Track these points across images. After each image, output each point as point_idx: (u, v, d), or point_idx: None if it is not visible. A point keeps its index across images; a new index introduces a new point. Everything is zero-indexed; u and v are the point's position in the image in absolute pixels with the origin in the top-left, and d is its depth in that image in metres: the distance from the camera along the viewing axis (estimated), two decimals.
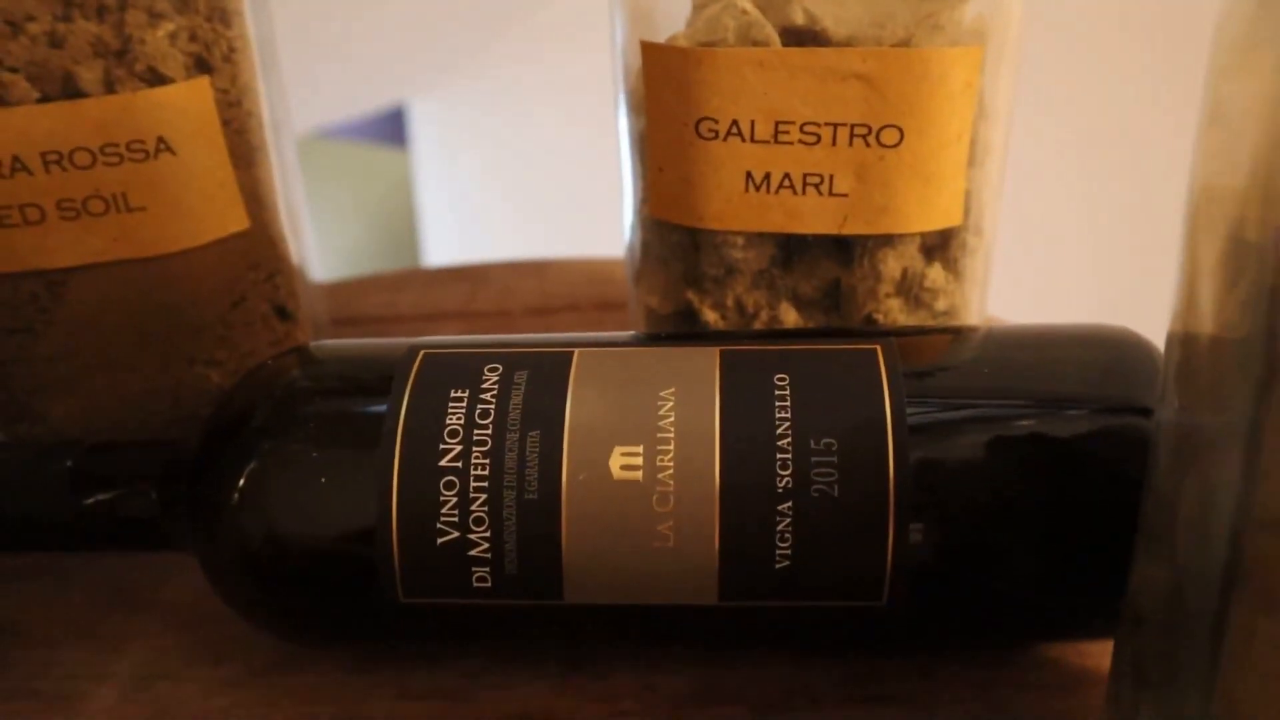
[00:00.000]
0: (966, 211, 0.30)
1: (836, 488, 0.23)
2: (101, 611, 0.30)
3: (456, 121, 1.50)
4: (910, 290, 0.30)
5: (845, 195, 0.28)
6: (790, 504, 0.23)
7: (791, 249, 0.30)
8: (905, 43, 0.27)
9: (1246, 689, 0.15)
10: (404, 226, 1.58)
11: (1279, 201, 0.14)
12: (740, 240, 0.30)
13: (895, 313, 0.30)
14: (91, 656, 0.29)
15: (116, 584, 0.31)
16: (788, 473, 0.23)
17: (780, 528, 0.23)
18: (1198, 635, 0.16)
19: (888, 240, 0.29)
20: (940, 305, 0.31)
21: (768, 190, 0.28)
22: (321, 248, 0.42)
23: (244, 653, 0.28)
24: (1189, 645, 0.17)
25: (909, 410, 0.24)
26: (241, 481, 0.25)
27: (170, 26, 0.30)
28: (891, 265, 0.30)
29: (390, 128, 1.58)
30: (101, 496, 0.27)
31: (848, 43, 0.27)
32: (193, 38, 0.30)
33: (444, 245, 1.49)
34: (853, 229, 0.29)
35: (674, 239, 0.31)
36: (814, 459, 0.23)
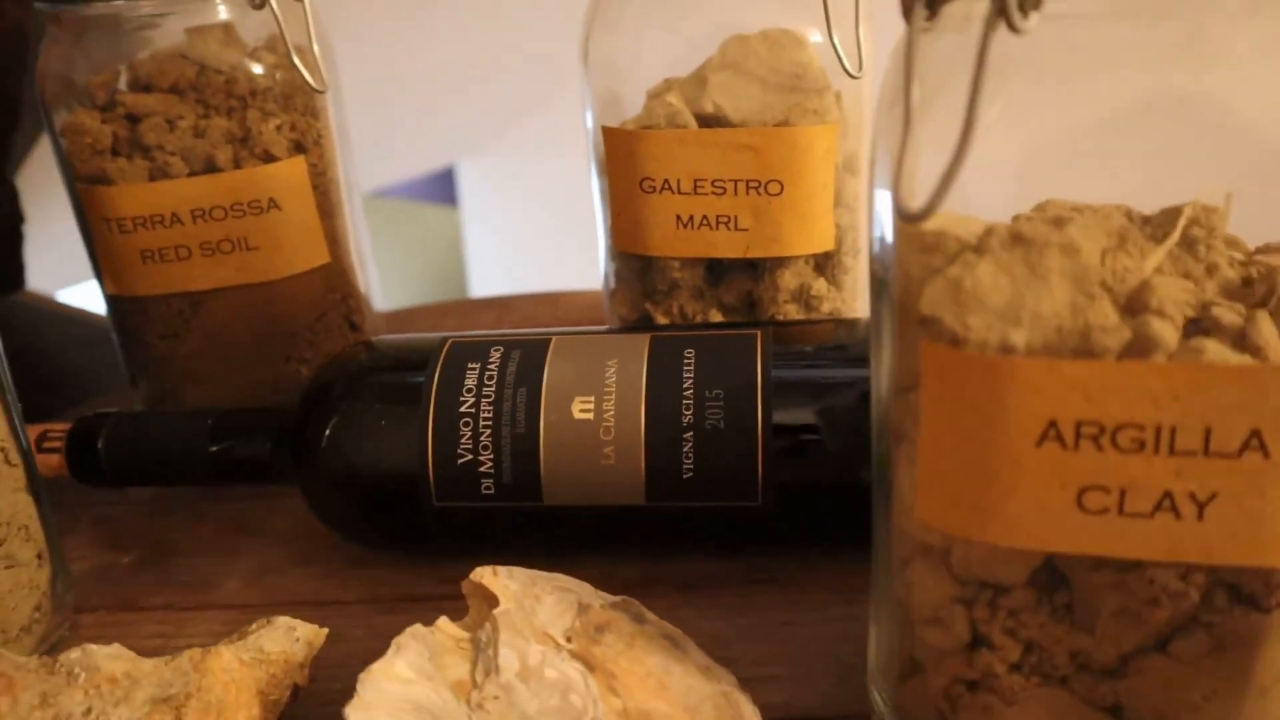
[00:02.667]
0: (840, 240, 0.41)
1: (723, 423, 0.35)
2: (226, 535, 0.42)
3: (499, 181, 1.64)
4: (802, 298, 0.42)
5: (746, 230, 0.40)
6: (691, 434, 0.35)
7: (716, 270, 0.42)
8: (783, 123, 0.39)
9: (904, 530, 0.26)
10: (454, 274, 1.72)
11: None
12: (677, 264, 0.41)
13: (792, 315, 0.42)
14: (220, 562, 0.41)
15: (235, 517, 0.43)
16: (690, 413, 0.35)
17: (685, 450, 0.35)
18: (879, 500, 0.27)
19: (782, 262, 0.41)
20: (825, 309, 0.42)
21: (692, 228, 0.40)
22: (382, 295, 0.54)
23: (325, 557, 0.40)
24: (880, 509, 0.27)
25: (774, 372, 0.35)
26: (329, 430, 0.37)
27: (278, 121, 0.42)
28: (787, 280, 0.41)
29: (440, 187, 1.73)
30: (231, 445, 0.39)
31: (742, 124, 0.39)
32: (293, 128, 0.43)
33: (487, 288, 1.62)
34: (753, 254, 0.40)
35: (633, 265, 0.43)
36: (707, 404, 0.35)
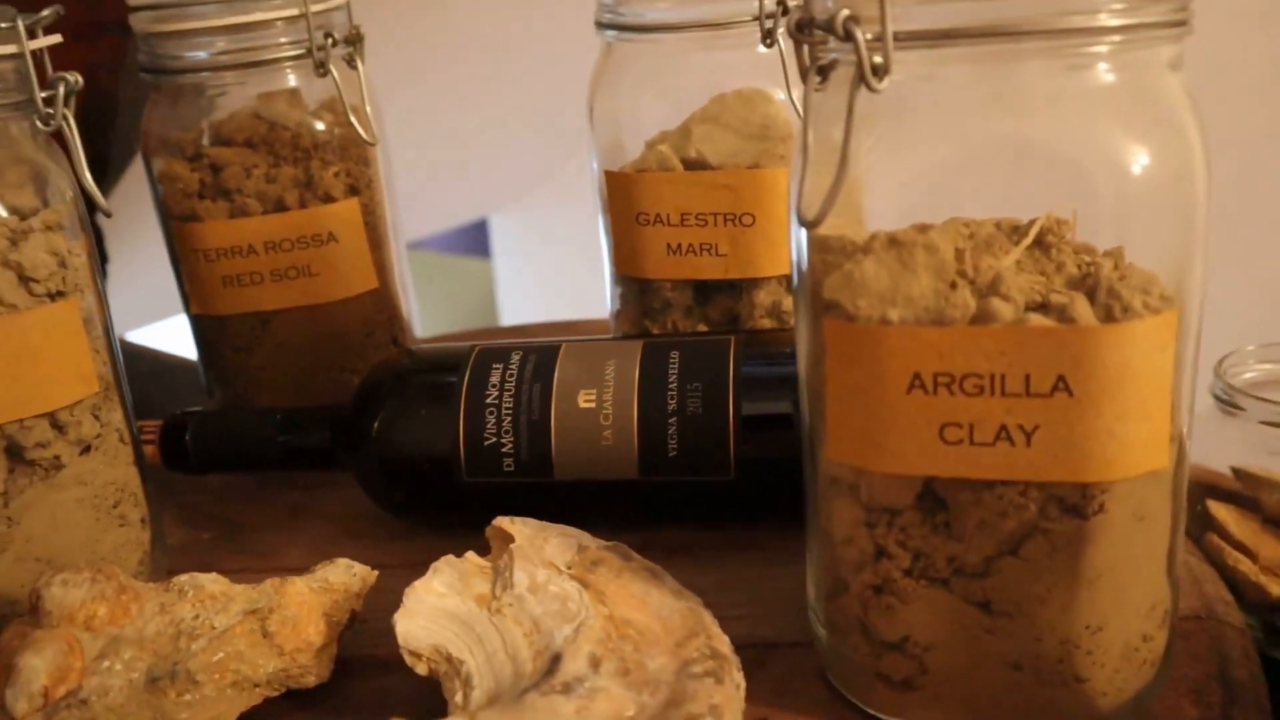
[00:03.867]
0: None
1: (701, 409, 0.42)
2: (289, 516, 0.50)
3: (530, 233, 1.74)
4: (775, 312, 0.49)
5: (725, 255, 0.48)
6: (675, 419, 0.42)
7: (703, 290, 0.50)
8: (754, 165, 0.47)
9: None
10: (487, 322, 1.80)
11: None
12: (669, 285, 0.49)
13: (768, 327, 0.49)
14: (285, 535, 0.48)
15: (296, 503, 0.51)
16: (674, 402, 0.42)
17: (670, 432, 0.42)
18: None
19: (756, 282, 0.48)
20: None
21: (680, 254, 0.48)
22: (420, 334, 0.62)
23: (371, 531, 0.48)
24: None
25: (743, 369, 0.43)
26: (377, 421, 0.45)
27: (336, 168, 0.51)
28: (762, 297, 0.49)
29: (474, 239, 1.82)
30: (296, 436, 0.47)
31: (720, 167, 0.47)
32: (348, 175, 0.51)
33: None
34: (732, 275, 0.48)
35: (632, 287, 0.51)
36: (688, 395, 0.42)
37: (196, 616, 0.34)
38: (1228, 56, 0.79)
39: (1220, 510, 0.44)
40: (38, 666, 0.32)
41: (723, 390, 0.42)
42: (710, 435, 0.42)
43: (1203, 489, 0.45)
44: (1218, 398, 0.44)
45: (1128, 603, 0.30)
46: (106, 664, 0.33)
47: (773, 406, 0.43)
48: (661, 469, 0.42)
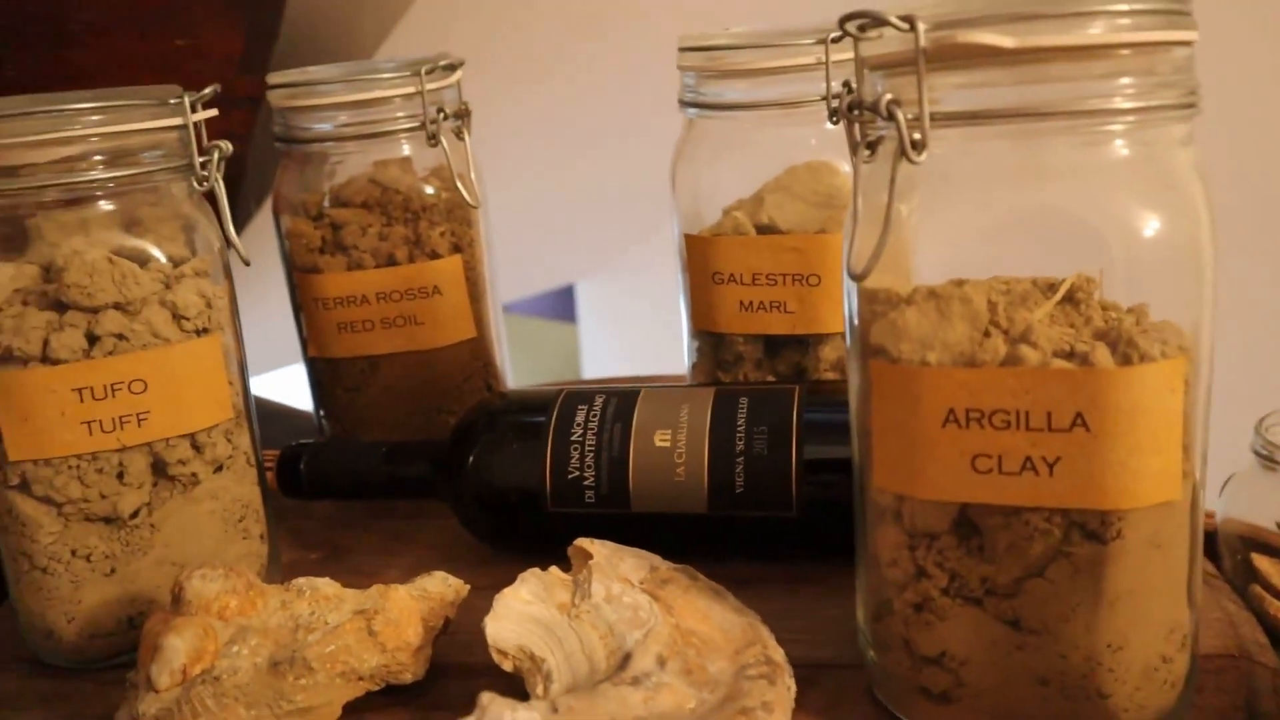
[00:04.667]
0: None
1: (767, 450, 0.46)
2: (388, 541, 0.55)
3: (614, 300, 1.80)
4: (839, 367, 0.53)
5: (793, 312, 0.52)
6: (743, 458, 0.46)
7: (772, 345, 0.54)
8: (821, 231, 0.51)
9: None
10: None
11: None
12: (741, 339, 0.53)
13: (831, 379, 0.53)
14: (385, 559, 0.53)
15: (394, 531, 0.56)
16: (742, 443, 0.46)
17: (737, 470, 0.46)
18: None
19: (822, 338, 0.52)
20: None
21: (752, 311, 0.52)
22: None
23: (463, 557, 0.52)
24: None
25: (805, 415, 0.47)
26: (472, 455, 0.50)
27: (442, 229, 0.56)
28: (827, 352, 0.53)
29: (561, 305, 1.89)
30: (399, 467, 0.52)
31: (789, 231, 0.51)
32: (453, 234, 0.57)
33: None
34: (798, 331, 0.52)
35: (707, 341, 0.55)
36: (755, 437, 0.46)
37: (313, 613, 0.39)
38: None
39: (1263, 562, 0.46)
40: (178, 647, 0.37)
41: (787, 434, 0.46)
42: (774, 475, 0.46)
43: (1246, 542, 0.48)
44: (1259, 454, 0.47)
45: (1147, 624, 0.33)
46: (236, 648, 0.37)
47: (833, 451, 0.46)
48: (729, 504, 0.46)
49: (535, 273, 1.61)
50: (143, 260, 0.43)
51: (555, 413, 0.49)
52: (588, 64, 0.98)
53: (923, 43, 0.30)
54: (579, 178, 1.25)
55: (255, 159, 0.77)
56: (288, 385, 0.92)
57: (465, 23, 0.87)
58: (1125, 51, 0.30)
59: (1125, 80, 0.31)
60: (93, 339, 0.42)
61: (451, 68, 0.56)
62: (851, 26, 0.32)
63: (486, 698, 0.31)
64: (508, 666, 0.37)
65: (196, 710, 0.36)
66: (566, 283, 1.85)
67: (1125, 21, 0.30)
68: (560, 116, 1.11)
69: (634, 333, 1.79)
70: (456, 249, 0.57)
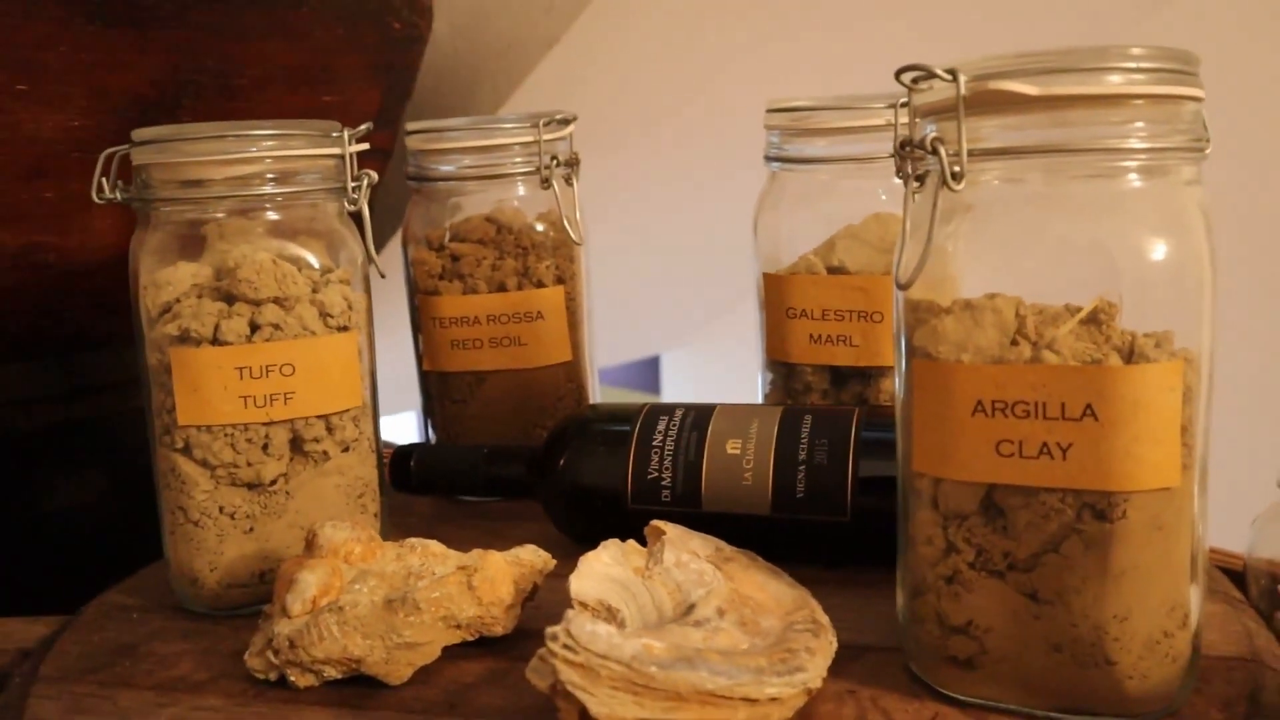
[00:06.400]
0: None
1: (826, 461, 0.51)
2: (483, 536, 0.61)
3: (697, 371, 1.86)
4: None
5: (858, 346, 0.58)
6: (804, 466, 0.52)
7: (839, 376, 0.59)
8: (885, 273, 0.57)
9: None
10: None
11: None
12: (810, 369, 0.59)
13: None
14: (485, 544, 0.59)
15: (488, 528, 0.62)
16: (804, 453, 0.52)
17: (799, 477, 0.51)
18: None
19: (883, 370, 0.58)
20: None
21: (820, 343, 0.58)
22: None
23: (552, 550, 0.58)
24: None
25: (863, 433, 0.52)
26: (563, 459, 0.56)
27: (548, 262, 0.64)
28: (888, 384, 0.58)
29: (645, 375, 1.96)
30: (499, 467, 0.59)
31: (857, 272, 0.57)
32: (557, 268, 0.64)
33: None
34: (862, 363, 0.58)
35: (779, 371, 0.61)
36: (816, 449, 0.52)
37: (422, 564, 0.45)
38: None
39: None
40: (310, 580, 0.43)
41: (845, 447, 0.52)
42: (832, 482, 0.51)
43: (1272, 577, 0.51)
44: None
45: (1149, 598, 0.37)
46: (358, 587, 0.44)
47: (885, 467, 0.51)
48: (789, 508, 0.52)
49: (622, 342, 1.68)
50: (298, 265, 0.51)
51: (640, 421, 0.55)
52: (684, 126, 1.06)
53: (963, 90, 0.36)
54: (669, 231, 1.32)
55: (383, 203, 0.86)
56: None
57: (579, 87, 0.96)
58: (1138, 101, 0.36)
59: (1139, 124, 0.36)
60: (254, 327, 0.49)
61: (565, 121, 0.63)
62: (906, 78, 0.39)
63: (571, 612, 0.37)
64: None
65: (322, 634, 0.42)
66: (653, 353, 1.92)
67: (1139, 76, 0.36)
68: (654, 176, 1.19)
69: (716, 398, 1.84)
70: (559, 280, 0.64)
